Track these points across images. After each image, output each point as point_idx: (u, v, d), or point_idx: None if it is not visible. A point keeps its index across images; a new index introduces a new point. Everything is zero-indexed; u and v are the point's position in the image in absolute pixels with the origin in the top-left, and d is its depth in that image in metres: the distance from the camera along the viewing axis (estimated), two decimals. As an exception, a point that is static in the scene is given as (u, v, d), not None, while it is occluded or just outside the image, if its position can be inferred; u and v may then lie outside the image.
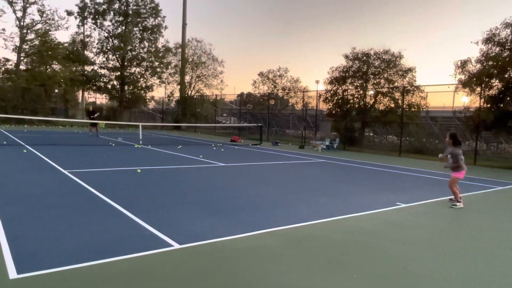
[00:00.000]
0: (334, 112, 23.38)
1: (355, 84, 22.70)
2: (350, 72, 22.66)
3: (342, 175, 11.61)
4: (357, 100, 22.70)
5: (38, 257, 3.95)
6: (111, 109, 40.56)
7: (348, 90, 22.94)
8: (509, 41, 15.23)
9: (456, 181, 7.54)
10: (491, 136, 20.08)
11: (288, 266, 4.08)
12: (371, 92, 22.55)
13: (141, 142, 18.40)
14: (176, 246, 4.47)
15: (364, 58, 22.15)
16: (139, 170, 10.07)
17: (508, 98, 15.51)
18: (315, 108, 26.19)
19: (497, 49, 15.58)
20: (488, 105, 15.98)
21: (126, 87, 39.55)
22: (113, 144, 17.97)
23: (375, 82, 22.28)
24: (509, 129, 16.00)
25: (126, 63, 38.64)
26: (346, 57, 22.85)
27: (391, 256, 4.54)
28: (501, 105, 15.61)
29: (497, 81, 15.65)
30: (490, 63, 15.42)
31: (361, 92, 22.53)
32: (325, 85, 24.17)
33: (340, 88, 23.10)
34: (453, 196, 7.56)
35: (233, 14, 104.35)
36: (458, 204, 7.39)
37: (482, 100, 16.32)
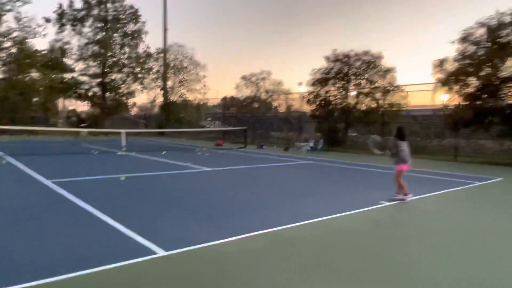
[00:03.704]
0: (317, 113, 23.58)
1: (337, 85, 22.94)
2: (332, 73, 22.90)
3: (327, 175, 11.71)
4: (340, 101, 22.96)
5: (20, 270, 3.86)
6: (92, 116, 39.92)
7: (331, 91, 23.18)
8: (483, 40, 15.66)
9: (399, 174, 7.58)
10: (471, 133, 20.56)
11: (275, 268, 4.09)
12: (353, 93, 22.84)
13: (124, 149, 18.18)
14: (162, 253, 4.44)
15: (345, 59, 22.43)
16: (123, 178, 9.95)
17: (484, 96, 15.93)
18: (298, 110, 26.37)
19: (473, 48, 16.00)
20: (466, 103, 16.39)
21: (107, 94, 39.04)
22: (96, 152, 17.71)
23: (357, 82, 22.57)
24: (486, 126, 16.43)
25: (107, 70, 38.15)
26: (327, 58, 23.10)
27: (376, 254, 4.61)
28: (479, 103, 16.03)
29: (474, 79, 16.06)
30: (467, 61, 15.83)
31: (343, 93, 22.80)
32: (307, 87, 24.40)
33: (322, 90, 23.33)
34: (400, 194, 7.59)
35: (215, 18, 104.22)
36: (401, 196, 7.42)
37: (460, 98, 16.73)
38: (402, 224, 6.04)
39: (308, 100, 24.11)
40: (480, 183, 10.39)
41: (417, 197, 8.11)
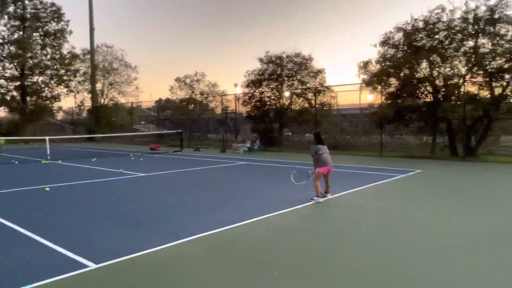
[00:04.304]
0: (253, 114, 23.92)
1: (271, 86, 23.46)
2: (265, 75, 23.37)
3: (263, 175, 11.93)
4: (274, 101, 23.50)
5: None
6: (11, 123, 36.61)
7: (265, 93, 23.64)
8: (401, 43, 17.00)
9: (317, 176, 7.80)
10: (395, 129, 22.19)
11: (211, 272, 4.09)
12: (286, 94, 23.50)
13: (49, 157, 16.93)
14: (93, 266, 4.22)
15: (278, 61, 23.01)
16: (47, 188, 9.27)
17: (404, 95, 17.30)
18: (234, 111, 26.51)
19: (392, 50, 17.30)
20: (389, 101, 17.67)
21: (28, 98, 36.08)
22: (17, 162, 16.28)
23: (289, 83, 23.26)
24: (407, 122, 17.85)
25: (26, 72, 35.24)
26: (261, 60, 23.52)
27: (309, 249, 4.80)
28: (399, 101, 17.37)
29: (394, 79, 17.36)
30: (387, 63, 17.06)
31: (277, 94, 23.37)
32: (242, 88, 24.64)
33: (257, 91, 23.71)
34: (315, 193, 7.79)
35: (146, 19, 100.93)
36: (316, 198, 7.60)
37: (383, 97, 18.00)
38: (333, 219, 6.35)
39: (244, 101, 24.37)
40: (402, 175, 11.26)
41: (345, 192, 8.58)
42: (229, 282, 3.82)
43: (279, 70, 22.93)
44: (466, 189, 9.15)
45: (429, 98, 16.97)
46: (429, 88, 16.88)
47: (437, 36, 16.17)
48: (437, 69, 16.61)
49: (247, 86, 23.95)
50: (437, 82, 16.64)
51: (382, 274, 3.98)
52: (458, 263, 4.27)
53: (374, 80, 17.40)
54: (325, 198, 7.80)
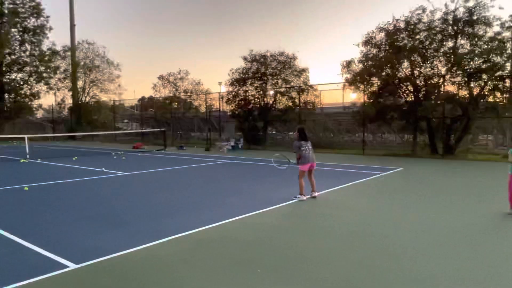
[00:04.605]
0: (237, 113, 23.90)
1: (255, 85, 23.48)
2: (249, 73, 23.38)
3: (247, 174, 11.94)
4: (258, 100, 23.54)
5: None
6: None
7: (249, 91, 23.64)
8: (383, 43, 17.24)
9: (300, 174, 7.74)
10: (377, 128, 22.50)
11: (194, 270, 4.08)
12: (271, 92, 23.56)
13: (28, 156, 16.55)
14: (72, 266, 4.16)
15: (262, 59, 23.04)
16: (26, 188, 9.07)
17: (386, 94, 17.57)
18: (218, 109, 26.44)
19: (375, 50, 17.52)
20: (371, 100, 17.91)
21: (6, 96, 35.15)
22: (-6, 161, 15.86)
23: (274, 82, 23.33)
24: (388, 121, 18.14)
25: (4, 69, 34.32)
26: (245, 59, 23.52)
27: (292, 246, 4.83)
28: (381, 100, 17.62)
29: (376, 79, 17.60)
30: (370, 63, 17.28)
31: (261, 92, 23.41)
32: (226, 87, 24.58)
33: (241, 89, 23.69)
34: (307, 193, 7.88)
35: (128, 15, 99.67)
36: (299, 196, 7.61)
37: (366, 96, 18.23)
38: (315, 216, 6.42)
39: (228, 100, 24.32)
40: (384, 173, 11.44)
41: (327, 190, 8.67)
42: (212, 280, 3.82)
43: (263, 68, 22.97)
44: (445, 186, 9.36)
45: (410, 98, 17.28)
46: (410, 88, 17.19)
47: (418, 37, 16.47)
48: (418, 69, 16.93)
49: (231, 84, 23.92)
50: (417, 81, 16.95)
51: (363, 270, 4.04)
52: (437, 258, 4.37)
53: (356, 79, 17.60)
54: (310, 197, 7.80)
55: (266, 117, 23.31)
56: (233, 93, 23.85)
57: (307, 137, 7.91)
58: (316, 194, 7.94)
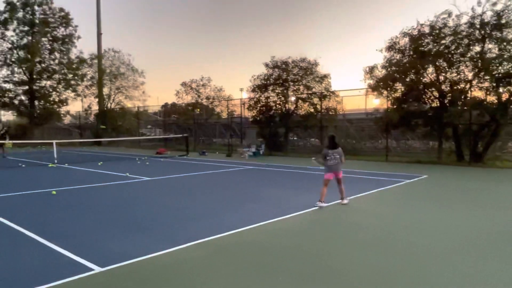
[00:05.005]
0: (258, 119, 23.96)
1: (276, 91, 23.51)
2: (271, 79, 23.43)
3: (267, 180, 11.93)
4: (280, 106, 23.54)
5: None
6: (20, 126, 37.01)
7: (270, 97, 23.68)
8: (407, 48, 16.96)
9: (324, 181, 7.70)
10: (400, 134, 22.09)
11: (216, 276, 4.10)
12: (292, 98, 23.53)
13: (56, 161, 17.08)
14: (98, 269, 4.25)
15: (283, 66, 23.06)
16: (54, 192, 9.35)
17: (410, 100, 17.24)
18: (240, 116, 26.58)
19: (398, 55, 17.26)
20: (394, 106, 17.61)
21: (36, 102, 36.47)
22: (23, 165, 16.44)
23: (295, 88, 23.29)
24: (412, 127, 17.77)
25: (35, 76, 35.65)
26: (266, 65, 23.60)
27: (314, 253, 4.79)
28: (405, 106, 17.30)
29: (400, 84, 17.31)
30: (393, 68, 17.02)
31: (283, 98, 23.41)
32: (248, 93, 24.70)
33: (262, 96, 23.76)
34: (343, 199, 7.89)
35: (152, 24, 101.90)
36: (318, 203, 7.52)
37: (389, 102, 17.95)
38: (338, 223, 6.34)
39: (249, 106, 24.43)
40: (408, 181, 11.19)
41: (351, 197, 8.54)
42: (233, 286, 3.82)
43: (284, 75, 22.97)
44: (472, 195, 9.08)
45: (435, 103, 16.89)
46: (435, 93, 16.81)
47: (443, 41, 16.11)
48: (443, 74, 16.55)
49: (253, 91, 24.02)
50: (443, 87, 16.57)
51: (386, 278, 3.96)
52: (464, 266, 4.24)
53: (380, 85, 17.36)
54: (342, 203, 7.74)
55: (287, 123, 23.26)
56: (255, 99, 23.94)
57: (336, 145, 7.82)
58: (345, 201, 7.84)
